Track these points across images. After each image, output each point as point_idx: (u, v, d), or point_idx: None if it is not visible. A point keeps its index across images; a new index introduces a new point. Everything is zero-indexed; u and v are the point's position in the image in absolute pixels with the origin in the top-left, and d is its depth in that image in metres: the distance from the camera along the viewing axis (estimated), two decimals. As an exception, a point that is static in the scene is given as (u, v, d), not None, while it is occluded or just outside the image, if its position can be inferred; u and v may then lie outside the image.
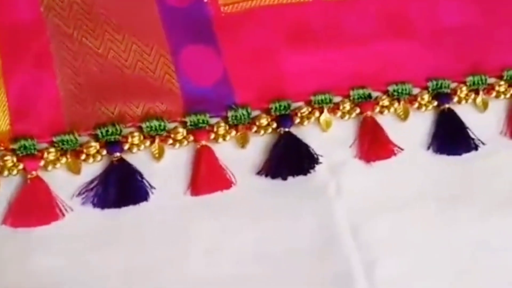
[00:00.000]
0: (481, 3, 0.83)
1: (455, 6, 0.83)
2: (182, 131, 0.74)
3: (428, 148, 0.78)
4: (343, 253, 0.73)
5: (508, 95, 0.81)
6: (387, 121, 0.78)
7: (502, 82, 0.81)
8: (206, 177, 0.73)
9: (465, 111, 0.79)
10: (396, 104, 0.78)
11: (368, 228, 0.74)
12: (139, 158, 0.73)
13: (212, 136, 0.74)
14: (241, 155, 0.75)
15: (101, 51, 0.75)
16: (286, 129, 0.75)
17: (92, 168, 0.72)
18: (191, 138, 0.74)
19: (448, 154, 0.78)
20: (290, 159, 0.74)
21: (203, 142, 0.74)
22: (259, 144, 0.75)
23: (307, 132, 0.76)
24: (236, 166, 0.74)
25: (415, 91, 0.79)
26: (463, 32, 0.82)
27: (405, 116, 0.78)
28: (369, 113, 0.77)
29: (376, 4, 0.81)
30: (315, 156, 0.75)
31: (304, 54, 0.78)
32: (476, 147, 0.78)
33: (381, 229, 0.74)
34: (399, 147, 0.77)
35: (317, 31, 0.79)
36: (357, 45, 0.79)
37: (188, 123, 0.74)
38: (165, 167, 0.73)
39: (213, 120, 0.75)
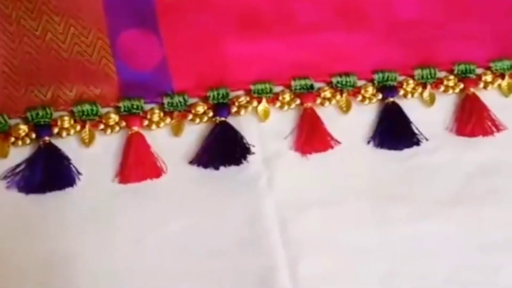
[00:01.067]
0: None
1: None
2: (114, 117, 0.72)
3: (368, 142, 0.75)
4: (268, 248, 0.71)
5: (457, 90, 0.78)
6: (328, 113, 0.75)
7: (451, 77, 0.78)
8: (136, 164, 0.71)
9: (411, 106, 0.77)
10: (338, 96, 0.76)
11: (297, 223, 0.72)
12: (69, 143, 0.71)
13: (146, 122, 0.73)
14: (175, 143, 0.73)
15: (38, 33, 0.73)
16: (222, 118, 0.73)
17: (22, 152, 0.70)
18: (124, 124, 0.72)
19: (389, 148, 0.75)
20: (223, 148, 0.72)
21: (136, 129, 0.72)
22: (194, 132, 0.74)
23: (245, 122, 0.74)
24: (169, 155, 0.72)
25: (360, 83, 0.76)
26: (417, 26, 0.79)
27: (347, 109, 0.76)
28: (309, 104, 0.75)
29: None
30: (248, 146, 0.73)
31: (249, 42, 0.76)
32: (418, 142, 0.75)
33: (310, 225, 0.72)
34: (336, 140, 0.74)
35: (266, 19, 0.77)
36: (305, 34, 0.77)
37: (122, 108, 0.72)
38: (95, 153, 0.71)
39: (148, 106, 0.73)
